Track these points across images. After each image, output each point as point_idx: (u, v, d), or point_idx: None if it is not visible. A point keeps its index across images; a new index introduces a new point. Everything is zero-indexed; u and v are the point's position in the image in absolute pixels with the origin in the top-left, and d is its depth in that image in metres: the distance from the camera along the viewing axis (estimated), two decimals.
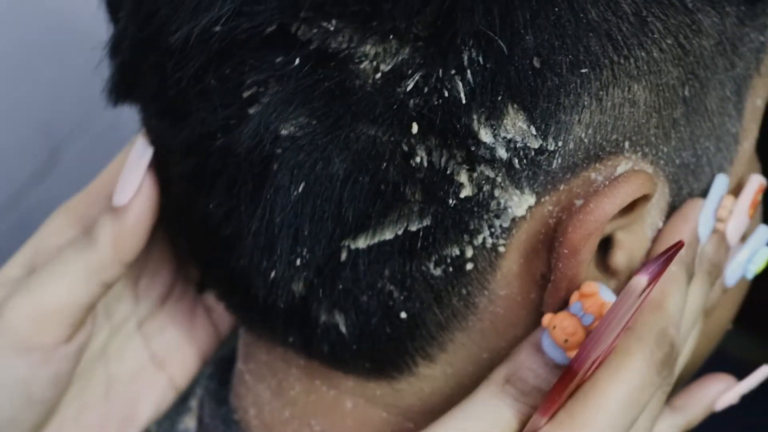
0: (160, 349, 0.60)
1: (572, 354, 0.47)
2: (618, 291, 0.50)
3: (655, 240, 0.50)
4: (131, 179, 0.52)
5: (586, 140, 0.47)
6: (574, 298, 0.47)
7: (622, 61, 0.46)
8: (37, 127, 0.84)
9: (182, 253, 0.60)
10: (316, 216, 0.46)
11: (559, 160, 0.46)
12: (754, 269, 0.54)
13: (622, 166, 0.48)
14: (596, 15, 0.45)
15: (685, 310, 0.49)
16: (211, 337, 0.61)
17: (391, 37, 0.44)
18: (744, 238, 0.54)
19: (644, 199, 0.48)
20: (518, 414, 0.47)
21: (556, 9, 0.44)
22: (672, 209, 0.51)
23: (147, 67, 0.49)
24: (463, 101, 0.44)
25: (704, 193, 0.51)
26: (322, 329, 0.50)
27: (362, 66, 0.44)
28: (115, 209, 0.53)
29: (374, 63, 0.44)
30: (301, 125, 0.45)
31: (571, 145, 0.46)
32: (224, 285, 0.54)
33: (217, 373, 0.60)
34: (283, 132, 0.45)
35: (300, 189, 0.46)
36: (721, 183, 0.51)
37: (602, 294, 0.48)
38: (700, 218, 0.50)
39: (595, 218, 0.47)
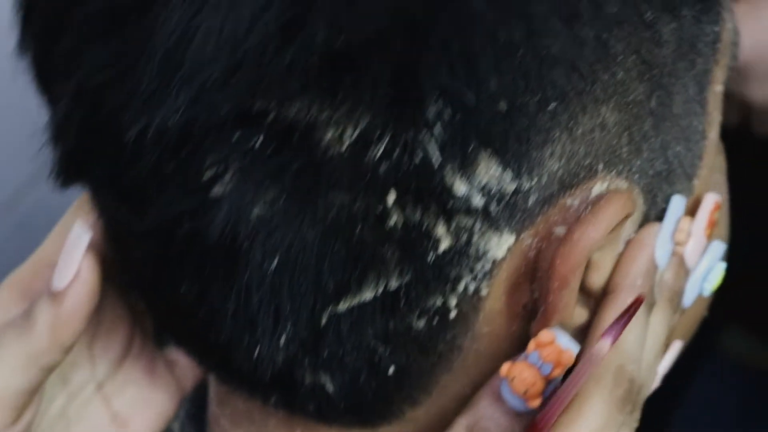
0: (122, 409, 0.58)
1: (533, 403, 0.47)
2: (592, 311, 0.49)
3: (613, 270, 0.49)
4: (69, 264, 0.51)
5: (560, 172, 0.46)
6: (531, 347, 0.47)
7: (588, 87, 0.45)
8: (38, 127, 0.84)
9: (146, 315, 0.58)
10: (294, 290, 0.45)
11: (535, 196, 0.46)
12: (710, 287, 0.53)
13: (597, 187, 0.47)
14: (559, 48, 0.44)
15: (647, 343, 0.49)
16: (174, 392, 0.59)
17: (355, 105, 0.42)
18: None
19: (625, 217, 0.48)
20: None
21: (519, 51, 0.43)
22: (646, 219, 0.50)
23: (97, 156, 0.47)
24: (437, 162, 0.43)
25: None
26: (308, 390, 0.49)
27: (327, 137, 0.42)
28: (53, 293, 0.51)
29: (338, 131, 0.42)
30: (271, 203, 0.44)
31: (546, 179, 0.46)
32: (201, 356, 0.53)
33: (197, 398, 0.60)
34: (254, 214, 0.44)
35: (274, 264, 0.45)
36: (677, 205, 0.50)
37: (559, 340, 0.47)
38: (657, 244, 0.49)
39: (583, 247, 0.46)
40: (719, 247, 0.52)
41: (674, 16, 0.47)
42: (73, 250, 0.51)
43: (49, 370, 0.52)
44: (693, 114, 0.49)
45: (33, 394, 0.53)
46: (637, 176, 0.48)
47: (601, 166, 0.47)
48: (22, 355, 0.51)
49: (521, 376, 0.46)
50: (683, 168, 0.50)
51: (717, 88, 0.51)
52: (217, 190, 0.44)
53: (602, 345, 0.44)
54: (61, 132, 0.47)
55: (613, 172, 0.47)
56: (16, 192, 0.82)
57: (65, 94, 0.46)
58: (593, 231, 0.46)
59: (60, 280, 0.51)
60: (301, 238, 0.44)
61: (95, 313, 0.53)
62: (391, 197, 0.43)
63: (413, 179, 0.43)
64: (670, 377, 0.58)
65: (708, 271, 0.52)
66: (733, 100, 0.87)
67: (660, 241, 0.49)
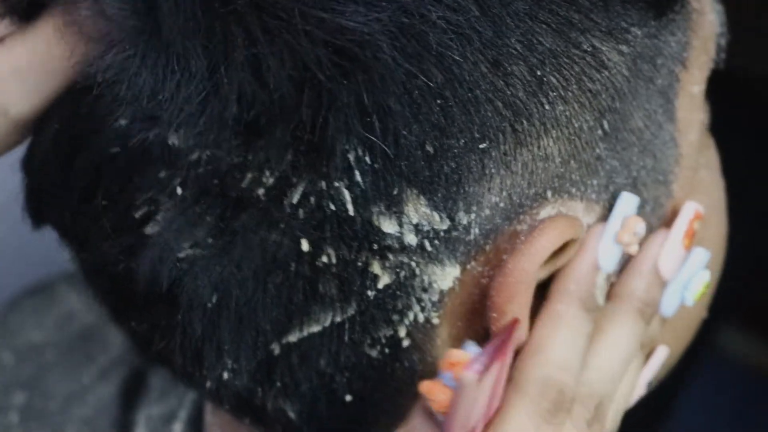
0: None
1: None
2: None
3: (556, 273, 0.48)
4: None
5: (501, 204, 0.46)
6: (444, 366, 0.46)
7: (524, 123, 0.45)
8: None
9: None
10: (233, 327, 0.46)
11: (477, 230, 0.46)
12: (692, 297, 0.51)
13: (545, 212, 0.46)
14: (486, 89, 0.44)
15: (606, 352, 0.48)
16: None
17: (271, 148, 0.43)
18: None
19: (570, 241, 0.47)
20: None
21: (439, 98, 0.43)
22: None
23: (47, 199, 0.49)
24: (354, 208, 0.43)
25: (655, 204, 0.50)
26: (272, 415, 0.50)
27: (247, 178, 0.43)
28: None
29: (257, 174, 0.43)
30: (200, 244, 0.45)
31: (487, 212, 0.46)
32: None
33: (201, 399, 0.61)
34: (182, 254, 0.45)
35: (214, 300, 0.45)
36: (623, 203, 0.48)
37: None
38: (599, 247, 0.48)
39: (516, 279, 0.46)
40: (702, 255, 0.51)
41: (621, 39, 0.46)
42: None
43: None
44: (657, 125, 0.48)
45: None
46: (594, 195, 0.47)
47: (549, 193, 0.46)
48: None
49: (437, 399, 0.46)
50: (653, 177, 0.49)
51: (694, 90, 0.50)
52: (150, 229, 0.45)
53: (467, 376, 0.43)
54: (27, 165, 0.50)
55: (565, 196, 0.47)
56: (17, 192, 0.83)
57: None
58: (526, 262, 0.45)
59: None
60: (235, 275, 0.44)
61: None
62: (311, 239, 0.44)
63: (330, 228, 0.44)
64: (665, 377, 0.58)
65: (688, 280, 0.50)
66: None
67: (603, 242, 0.48)
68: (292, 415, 0.49)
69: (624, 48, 0.47)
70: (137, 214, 0.45)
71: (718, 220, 0.55)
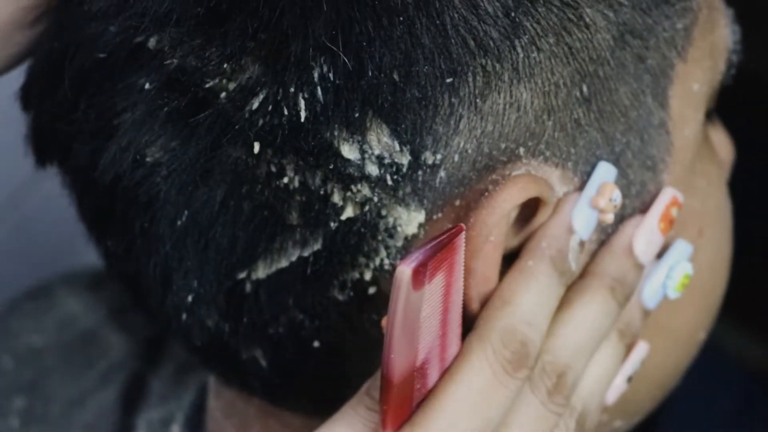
0: None
1: None
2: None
3: (529, 237, 0.48)
4: None
5: (470, 151, 0.45)
6: None
7: (495, 65, 0.45)
8: None
9: None
10: (199, 247, 0.46)
11: (444, 174, 0.45)
12: (673, 286, 0.50)
13: (516, 172, 0.46)
14: (457, 20, 0.44)
15: (573, 324, 0.47)
16: None
17: (237, 54, 0.44)
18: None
19: (542, 204, 0.47)
20: (373, 426, 0.45)
21: (407, 20, 0.43)
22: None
23: (43, 117, 0.49)
24: (302, 119, 0.44)
25: (642, 188, 0.49)
26: (248, 365, 0.49)
27: (212, 84, 0.44)
28: None
29: (223, 81, 0.44)
30: (166, 149, 0.45)
31: (456, 158, 0.45)
32: (154, 322, 0.53)
33: (196, 404, 0.61)
34: (149, 159, 0.45)
35: (184, 218, 0.46)
36: (601, 171, 0.48)
37: None
38: (574, 210, 0.47)
39: (477, 232, 0.45)
40: (684, 247, 0.51)
41: (606, 3, 0.46)
42: None
43: None
44: (646, 107, 0.48)
45: None
46: (571, 164, 0.47)
47: (522, 151, 0.46)
48: None
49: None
50: (640, 160, 0.49)
51: (694, 87, 0.50)
52: (122, 131, 0.45)
53: (401, 270, 0.41)
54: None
55: (541, 158, 0.46)
56: (17, 192, 0.83)
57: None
58: (487, 215, 0.45)
59: None
60: (207, 189, 0.45)
61: None
62: (260, 151, 0.44)
63: (281, 136, 0.44)
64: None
65: (670, 269, 0.50)
66: None
67: (578, 206, 0.47)
68: (263, 363, 0.49)
69: (610, 14, 0.47)
70: (116, 121, 0.46)
71: (715, 234, 0.55)
